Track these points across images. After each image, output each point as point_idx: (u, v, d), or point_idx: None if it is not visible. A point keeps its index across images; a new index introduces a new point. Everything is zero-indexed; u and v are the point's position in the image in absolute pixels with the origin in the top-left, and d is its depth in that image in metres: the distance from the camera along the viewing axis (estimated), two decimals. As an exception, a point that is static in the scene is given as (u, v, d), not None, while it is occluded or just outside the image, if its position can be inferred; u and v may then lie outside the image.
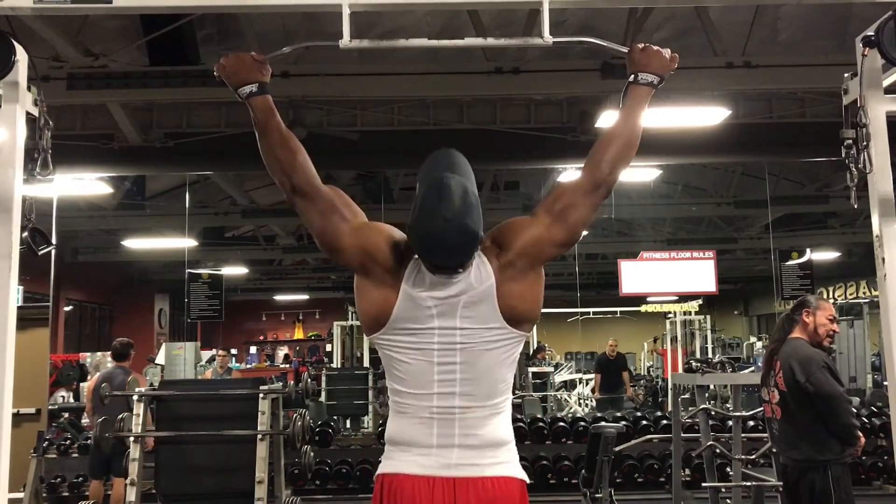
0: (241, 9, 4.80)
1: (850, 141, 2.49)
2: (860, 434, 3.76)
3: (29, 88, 2.53)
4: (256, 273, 17.00)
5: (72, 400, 9.77)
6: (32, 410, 6.90)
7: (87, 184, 8.46)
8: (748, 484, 5.17)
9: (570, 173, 7.93)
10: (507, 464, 2.01)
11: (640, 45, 2.22)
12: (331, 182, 2.51)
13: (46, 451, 6.63)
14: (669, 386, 10.76)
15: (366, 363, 12.67)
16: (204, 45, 6.17)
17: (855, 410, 4.25)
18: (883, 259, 2.52)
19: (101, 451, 5.21)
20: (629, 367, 13.20)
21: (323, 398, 9.95)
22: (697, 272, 9.51)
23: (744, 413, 5.43)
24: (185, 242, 11.05)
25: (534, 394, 11.18)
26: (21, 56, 2.48)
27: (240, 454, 4.64)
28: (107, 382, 5.64)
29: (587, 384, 13.27)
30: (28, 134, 2.53)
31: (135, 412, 4.81)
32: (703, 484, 5.48)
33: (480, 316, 1.99)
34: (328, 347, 16.52)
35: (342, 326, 13.89)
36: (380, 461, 2.06)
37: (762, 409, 4.06)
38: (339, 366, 13.05)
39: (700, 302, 14.07)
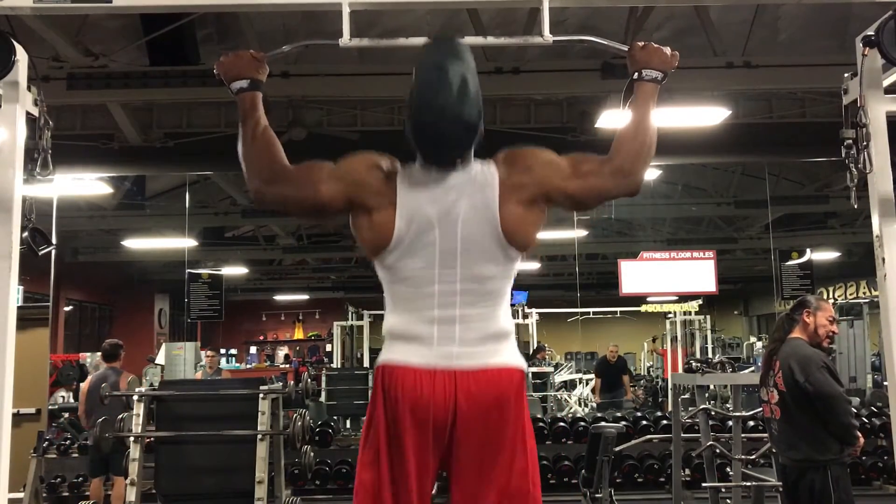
0: (241, 8, 4.80)
1: (850, 141, 2.50)
2: (859, 434, 3.76)
3: (29, 88, 2.53)
4: (256, 273, 17.00)
5: (72, 400, 9.75)
6: (32, 410, 6.89)
7: (87, 184, 8.46)
8: (748, 484, 5.17)
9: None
10: (506, 353, 2.02)
11: (640, 43, 2.22)
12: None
13: (46, 451, 6.62)
14: (669, 386, 10.76)
15: (366, 363, 12.69)
16: (204, 44, 6.17)
17: (854, 411, 4.25)
18: (883, 259, 2.52)
19: (101, 450, 5.21)
20: (629, 369, 13.21)
21: (323, 398, 9.95)
22: (697, 272, 9.52)
23: (744, 413, 5.43)
24: (185, 242, 11.05)
25: (534, 394, 11.18)
26: (21, 56, 2.48)
27: (240, 454, 4.64)
28: (98, 383, 5.65)
29: (587, 384, 13.27)
30: (28, 134, 2.53)
31: (135, 412, 4.81)
32: (703, 484, 5.48)
33: (480, 226, 1.99)
34: (328, 347, 16.52)
35: (342, 326, 13.90)
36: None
37: (762, 409, 4.06)
38: (339, 366, 13.05)
39: (700, 302, 14.07)
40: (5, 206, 2.44)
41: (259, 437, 4.61)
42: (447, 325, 1.98)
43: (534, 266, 14.94)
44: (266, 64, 2.18)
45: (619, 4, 5.44)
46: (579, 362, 15.42)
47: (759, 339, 16.42)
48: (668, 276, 9.55)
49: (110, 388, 5.49)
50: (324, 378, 10.19)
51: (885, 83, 2.59)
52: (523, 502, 2.00)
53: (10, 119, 2.47)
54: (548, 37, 2.43)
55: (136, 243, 12.53)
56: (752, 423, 6.50)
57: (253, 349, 19.18)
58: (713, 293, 10.73)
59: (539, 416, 8.53)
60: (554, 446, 7.79)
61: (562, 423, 8.01)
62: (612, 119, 6.34)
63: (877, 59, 2.52)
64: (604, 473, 5.42)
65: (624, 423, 7.50)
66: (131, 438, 4.73)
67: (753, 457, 5.35)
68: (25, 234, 2.53)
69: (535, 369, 12.29)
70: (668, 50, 2.21)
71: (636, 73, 2.20)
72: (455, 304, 1.99)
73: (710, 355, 12.06)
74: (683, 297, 13.38)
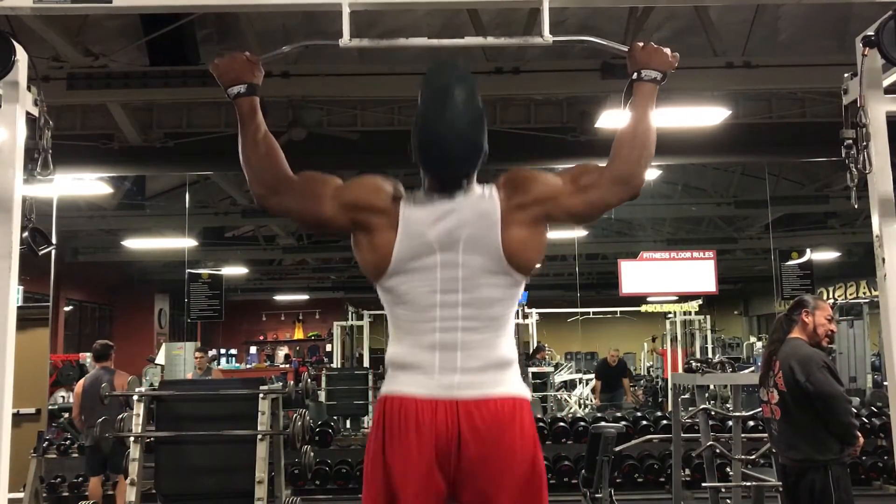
0: (241, 8, 4.80)
1: (850, 141, 2.49)
2: (859, 434, 3.76)
3: (29, 88, 2.53)
4: (256, 273, 17.00)
5: (71, 400, 9.76)
6: (32, 410, 6.89)
7: (87, 184, 8.46)
8: (748, 484, 5.17)
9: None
10: (509, 383, 2.00)
11: (640, 44, 2.22)
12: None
13: (46, 451, 6.62)
14: (669, 386, 10.76)
15: (366, 363, 12.69)
16: (204, 45, 6.17)
17: (855, 410, 4.25)
18: (883, 259, 2.52)
19: (101, 450, 5.21)
20: (629, 371, 13.22)
21: (323, 398, 9.95)
22: (697, 272, 9.52)
23: (744, 413, 5.43)
24: (185, 242, 11.05)
25: (534, 394, 11.18)
26: (21, 56, 2.48)
27: (240, 454, 4.64)
28: (92, 384, 5.66)
29: (587, 384, 13.28)
30: (28, 134, 2.53)
31: (135, 412, 4.81)
32: (703, 484, 5.48)
33: (482, 250, 1.98)
34: (328, 347, 16.52)
35: (342, 326, 13.90)
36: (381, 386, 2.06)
37: (762, 409, 4.06)
38: (339, 366, 13.05)
39: (700, 302, 14.07)
40: (5, 206, 2.43)
41: (259, 437, 4.61)
42: (449, 352, 1.97)
43: (534, 266, 14.92)
44: (262, 66, 2.17)
45: (619, 4, 5.44)
46: (579, 362, 15.43)
47: (759, 339, 16.41)
48: (668, 276, 9.56)
49: (91, 389, 5.48)
50: (324, 378, 10.19)
51: (885, 83, 2.58)
52: None
53: (10, 119, 2.47)
54: (548, 37, 2.43)
55: (136, 243, 12.53)
56: (752, 423, 6.51)
57: (253, 349, 19.17)
58: (713, 293, 10.73)
59: (539, 416, 8.52)
60: (554, 446, 7.79)
61: (562, 423, 8.02)
62: (612, 119, 6.34)
63: (877, 59, 2.52)
64: (604, 473, 5.42)
65: (624, 423, 7.50)
66: (131, 438, 4.73)
67: (753, 457, 5.35)
68: (25, 234, 2.53)
69: (535, 369, 12.30)
70: (667, 50, 2.21)
71: (635, 74, 2.20)
72: (457, 328, 1.98)
73: (710, 355, 12.07)
74: (683, 297, 13.38)
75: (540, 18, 2.44)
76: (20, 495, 5.80)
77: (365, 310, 13.68)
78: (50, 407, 7.95)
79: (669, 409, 8.50)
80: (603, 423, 6.59)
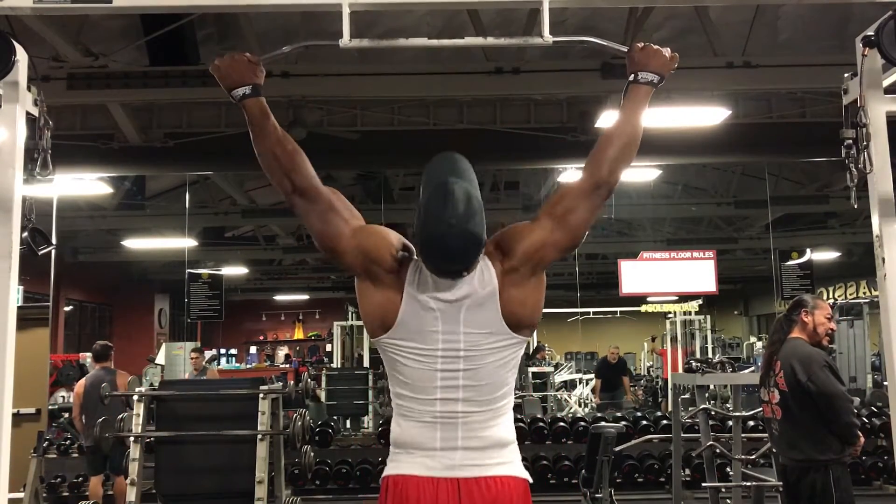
0: (241, 9, 4.80)
1: (850, 141, 2.49)
2: (860, 434, 3.76)
3: (29, 88, 2.53)
4: (256, 273, 17.00)
5: (71, 400, 9.76)
6: (32, 410, 6.89)
7: (87, 184, 8.46)
8: (748, 484, 5.17)
9: (570, 173, 7.93)
10: (510, 463, 2.02)
11: (640, 45, 2.22)
12: (331, 182, 2.52)
13: (46, 451, 6.62)
14: (669, 386, 10.76)
15: (366, 363, 12.67)
16: (204, 45, 6.18)
17: (856, 410, 4.25)
18: (883, 259, 2.52)
19: (101, 450, 5.21)
20: (629, 370, 13.20)
21: (323, 398, 9.95)
22: (697, 272, 9.52)
23: (744, 413, 5.43)
24: (185, 242, 11.05)
25: (534, 394, 11.18)
26: (21, 56, 2.48)
27: (240, 454, 4.64)
28: (93, 384, 5.67)
29: (587, 384, 13.28)
30: (28, 134, 2.53)
31: (135, 412, 4.81)
32: (703, 484, 5.48)
33: (483, 321, 2.01)
34: (328, 347, 16.51)
35: (342, 326, 13.89)
36: (382, 463, 2.09)
37: (762, 409, 4.07)
38: (339, 366, 13.04)
39: (700, 302, 14.07)
40: (5, 206, 2.43)
41: (259, 437, 4.60)
42: (450, 428, 1.99)
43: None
44: (263, 66, 2.16)
45: (619, 5, 5.44)
46: (579, 362, 15.43)
47: (759, 339, 16.42)
48: (668, 276, 9.55)
49: (93, 390, 5.49)
50: (324, 378, 10.18)
51: (885, 83, 2.58)
52: None
53: (10, 119, 2.47)
54: (548, 37, 2.43)
55: (136, 243, 12.53)
56: (752, 423, 6.51)
57: (253, 349, 19.17)
58: (713, 293, 10.73)
59: (539, 416, 8.52)
60: (554, 446, 7.80)
61: (562, 423, 8.01)
62: (613, 119, 6.33)
63: (877, 59, 2.52)
64: (604, 473, 5.42)
65: (624, 423, 7.50)
66: (131, 438, 4.73)
67: (753, 457, 5.35)
68: (25, 234, 2.53)
69: (535, 369, 12.30)
70: (667, 52, 2.20)
71: (633, 75, 2.20)
72: (458, 399, 2.00)
73: (710, 355, 12.07)
74: (683, 297, 13.38)
75: (540, 18, 2.44)
76: (20, 495, 5.79)
77: (365, 310, 13.65)
78: (50, 407, 7.95)
79: (669, 409, 8.50)
80: (603, 423, 6.59)
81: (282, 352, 19.31)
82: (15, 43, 2.45)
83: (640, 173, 8.70)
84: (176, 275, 12.15)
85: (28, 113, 2.52)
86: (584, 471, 5.67)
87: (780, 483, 3.99)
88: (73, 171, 7.54)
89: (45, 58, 5.66)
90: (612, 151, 2.12)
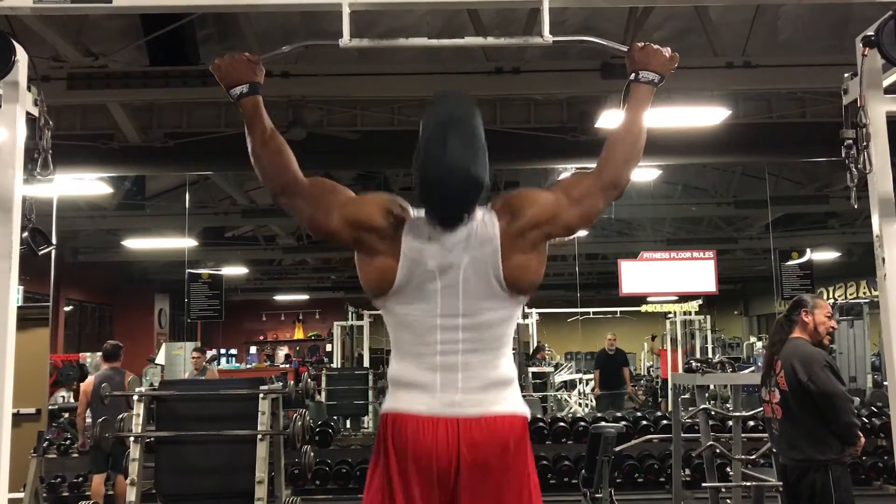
0: (241, 8, 4.80)
1: (850, 141, 2.50)
2: (860, 434, 3.76)
3: (29, 88, 2.53)
4: (256, 273, 17.00)
5: (72, 400, 9.74)
6: (32, 410, 6.89)
7: (87, 184, 8.46)
8: (748, 484, 5.17)
9: (570, 174, 7.93)
10: (509, 401, 2.03)
11: (640, 44, 2.22)
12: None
13: (46, 451, 6.62)
14: (670, 386, 10.75)
15: (366, 363, 12.68)
16: (204, 45, 6.18)
17: (856, 410, 4.25)
18: (883, 259, 2.52)
19: (102, 449, 5.22)
20: (629, 361, 13.09)
21: (323, 398, 9.95)
22: (697, 272, 9.52)
23: (744, 413, 5.43)
24: (185, 242, 11.05)
25: (534, 394, 11.16)
26: (21, 56, 2.48)
27: (240, 454, 4.63)
28: (106, 383, 5.70)
29: (587, 384, 13.25)
30: (28, 134, 2.53)
31: (135, 412, 4.81)
32: (703, 484, 5.48)
33: (482, 281, 2.00)
34: (328, 347, 16.51)
35: (342, 326, 13.89)
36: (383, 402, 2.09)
37: (762, 409, 4.07)
38: (339, 366, 13.05)
39: (700, 302, 14.06)
40: (5, 206, 2.44)
41: (259, 437, 4.60)
42: (450, 373, 1.99)
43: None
44: (262, 65, 2.17)
45: (619, 4, 5.44)
46: (579, 362, 15.43)
47: (759, 339, 16.42)
48: (668, 276, 9.55)
49: (111, 387, 5.50)
50: (324, 378, 10.19)
51: (885, 83, 2.58)
52: None
53: (10, 119, 2.47)
54: (547, 37, 2.43)
55: (136, 243, 12.53)
56: (752, 423, 6.50)
57: (253, 349, 19.17)
58: (713, 293, 10.73)
59: (539, 416, 8.52)
60: (554, 446, 7.80)
61: (562, 423, 8.01)
62: (612, 119, 6.34)
63: (877, 59, 2.52)
64: (604, 473, 5.42)
65: (624, 423, 7.50)
66: (131, 438, 4.73)
67: (753, 457, 5.35)
68: (25, 234, 2.53)
69: (535, 369, 12.27)
70: (667, 51, 2.21)
71: (633, 74, 2.20)
72: (457, 351, 2.00)
73: (710, 355, 12.05)
74: (683, 297, 13.37)
75: (540, 18, 2.44)
76: (20, 495, 5.79)
77: (365, 310, 13.66)
78: (50, 407, 7.94)
79: (669, 408, 8.49)
80: (603, 423, 6.59)
81: (282, 352, 19.30)
82: (15, 43, 2.45)
83: (641, 173, 8.69)
84: (176, 275, 12.16)
85: (28, 113, 2.53)
86: (584, 471, 5.67)
87: (780, 483, 3.99)
88: (73, 171, 7.54)
89: (45, 58, 5.66)
90: (620, 154, 2.14)
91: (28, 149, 2.52)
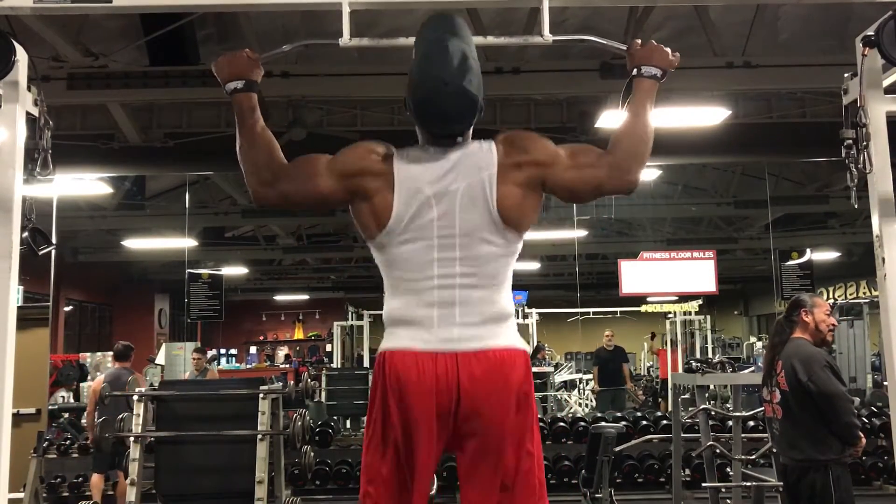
0: (241, 8, 4.80)
1: (850, 141, 2.49)
2: (861, 434, 3.76)
3: (29, 88, 2.53)
4: (256, 273, 17.00)
5: (72, 400, 9.76)
6: (32, 410, 6.89)
7: (87, 184, 8.46)
8: (748, 484, 5.16)
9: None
10: (507, 336, 2.02)
11: (640, 41, 2.22)
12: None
13: (46, 451, 6.62)
14: (670, 386, 10.75)
15: (366, 363, 12.69)
16: (204, 45, 6.17)
17: (856, 410, 4.25)
18: (883, 259, 2.52)
19: (101, 448, 5.22)
20: (628, 358, 13.01)
21: (323, 398, 9.95)
22: (697, 272, 9.51)
23: (744, 413, 5.42)
24: (185, 242, 11.05)
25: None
26: (21, 56, 2.48)
27: (240, 454, 4.64)
28: (112, 382, 5.75)
29: (587, 384, 13.24)
30: (28, 134, 2.53)
31: (135, 412, 4.81)
32: (703, 484, 5.48)
33: (478, 205, 1.99)
34: (328, 347, 16.52)
35: (342, 326, 13.90)
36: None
37: (762, 409, 4.06)
38: (339, 366, 13.05)
39: (700, 302, 14.07)
40: (5, 206, 2.43)
41: (259, 437, 4.60)
42: (447, 308, 1.99)
43: (534, 266, 14.94)
44: (261, 64, 2.18)
45: (619, 4, 5.44)
46: (579, 362, 15.42)
47: (759, 339, 16.42)
48: (668, 276, 9.55)
49: (120, 386, 5.53)
50: (324, 378, 10.19)
51: (885, 83, 2.58)
52: (529, 485, 2.01)
53: (10, 119, 2.47)
54: (547, 37, 2.43)
55: (136, 243, 12.53)
56: (752, 423, 6.50)
57: (253, 349, 19.18)
58: (713, 293, 10.72)
59: (539, 416, 8.50)
60: (554, 446, 7.79)
61: (562, 423, 8.01)
62: (612, 119, 6.34)
63: (877, 59, 2.52)
64: (604, 473, 5.42)
65: (624, 423, 7.50)
66: (131, 438, 4.73)
67: (753, 457, 5.35)
68: (25, 234, 2.53)
69: (535, 369, 12.22)
70: (668, 49, 2.20)
71: (635, 70, 2.19)
72: (454, 286, 1.99)
73: (710, 355, 12.04)
74: (683, 297, 13.38)
75: (540, 18, 2.44)
76: (20, 495, 5.79)
77: (365, 310, 13.69)
78: (50, 407, 7.95)
79: (669, 408, 8.49)
80: (603, 423, 6.59)
81: (282, 352, 19.31)
82: (15, 43, 2.45)
83: (641, 173, 8.69)
84: (176, 275, 12.16)
85: (28, 113, 2.53)
86: (584, 471, 5.67)
87: (780, 483, 3.99)
88: (73, 171, 7.54)
89: (45, 58, 5.66)
90: (628, 146, 2.11)
91: (28, 149, 2.52)
